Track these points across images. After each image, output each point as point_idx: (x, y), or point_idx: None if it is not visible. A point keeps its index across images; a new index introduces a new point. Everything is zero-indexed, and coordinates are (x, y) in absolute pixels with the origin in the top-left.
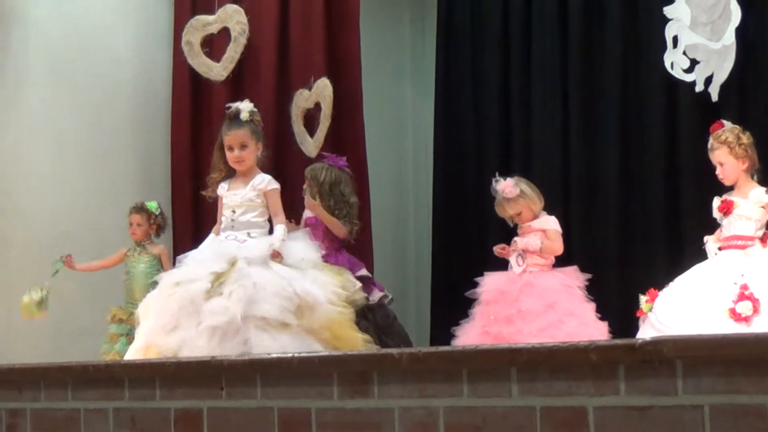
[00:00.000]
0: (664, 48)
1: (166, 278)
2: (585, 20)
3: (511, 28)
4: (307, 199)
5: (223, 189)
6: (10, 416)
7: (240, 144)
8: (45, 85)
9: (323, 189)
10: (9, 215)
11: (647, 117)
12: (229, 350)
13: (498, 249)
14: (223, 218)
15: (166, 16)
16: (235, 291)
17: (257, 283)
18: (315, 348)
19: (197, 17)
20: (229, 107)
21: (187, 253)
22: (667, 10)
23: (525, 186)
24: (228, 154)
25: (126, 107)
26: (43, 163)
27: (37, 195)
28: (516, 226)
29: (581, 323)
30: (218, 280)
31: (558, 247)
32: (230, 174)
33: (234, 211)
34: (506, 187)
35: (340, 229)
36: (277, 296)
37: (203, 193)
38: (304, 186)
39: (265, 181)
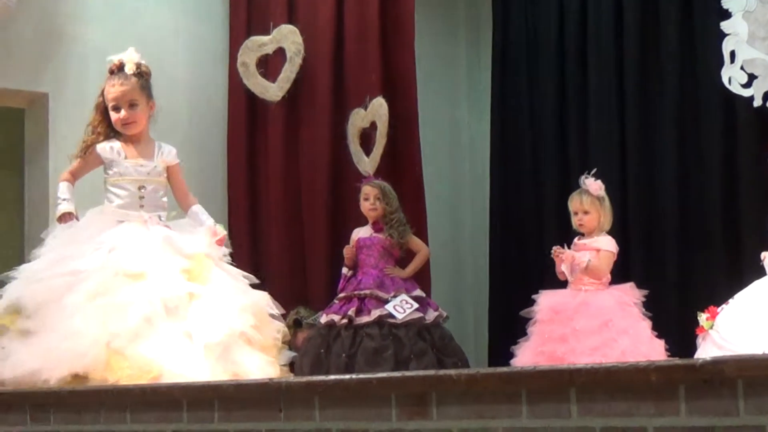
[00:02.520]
0: (721, 63)
1: (85, 264)
2: (641, 37)
3: (567, 48)
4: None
5: (113, 152)
6: None
7: (128, 102)
8: None
9: (393, 204)
10: None
11: (705, 133)
12: (222, 372)
13: (556, 250)
14: (123, 193)
15: (221, 37)
16: (221, 300)
17: (229, 292)
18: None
19: (252, 38)
20: (111, 60)
21: (68, 225)
22: (724, 25)
23: (607, 200)
24: (113, 114)
25: (182, 128)
26: (102, 184)
27: None
28: (574, 236)
29: (635, 341)
30: (193, 280)
31: (604, 269)
32: (108, 137)
33: (143, 187)
34: (594, 184)
35: (425, 255)
36: (244, 308)
37: (69, 157)
38: (370, 199)
39: (172, 153)
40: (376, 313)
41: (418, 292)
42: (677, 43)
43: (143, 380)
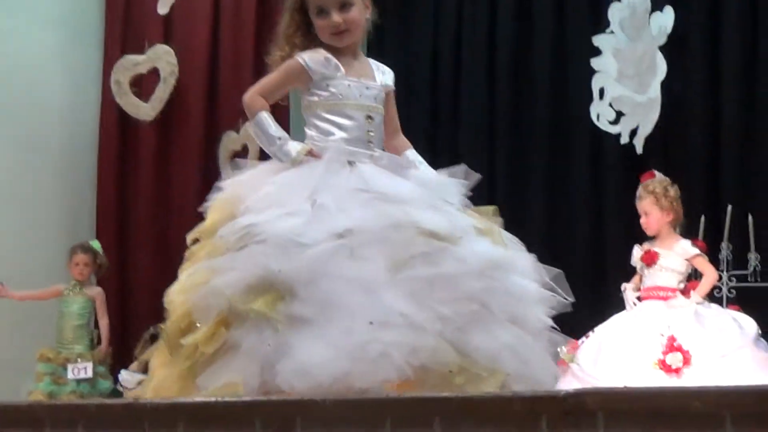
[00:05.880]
0: (590, 99)
1: (356, 220)
2: (513, 71)
3: (440, 75)
4: None
5: (329, 66)
6: None
7: (339, 2)
8: None
9: None
10: None
11: (573, 167)
12: None
13: None
14: (348, 123)
15: (96, 55)
16: (532, 274)
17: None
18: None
19: (127, 56)
20: None
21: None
22: (595, 62)
23: None
24: (318, 21)
25: (54, 147)
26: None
27: None
28: None
29: None
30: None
31: None
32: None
33: (371, 118)
34: None
35: None
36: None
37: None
38: None
39: (392, 74)
40: None
41: None
42: (548, 79)
43: (489, 386)
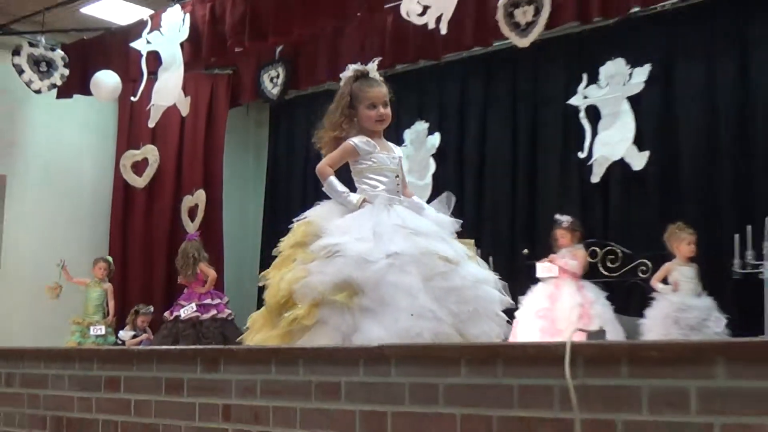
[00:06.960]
0: None
1: (400, 247)
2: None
3: (312, 159)
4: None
5: (369, 145)
6: (7, 377)
7: (384, 101)
8: (38, 191)
9: (185, 259)
10: (10, 274)
11: None
12: None
13: None
14: (385, 180)
15: (111, 150)
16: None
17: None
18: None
19: (129, 151)
20: (353, 67)
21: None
22: None
23: None
24: (369, 112)
25: (87, 203)
26: (34, 238)
27: (29, 257)
28: None
29: None
30: (475, 261)
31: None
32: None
33: (398, 176)
34: None
35: (213, 279)
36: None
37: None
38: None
39: (400, 150)
40: (176, 313)
41: (209, 301)
42: None
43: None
